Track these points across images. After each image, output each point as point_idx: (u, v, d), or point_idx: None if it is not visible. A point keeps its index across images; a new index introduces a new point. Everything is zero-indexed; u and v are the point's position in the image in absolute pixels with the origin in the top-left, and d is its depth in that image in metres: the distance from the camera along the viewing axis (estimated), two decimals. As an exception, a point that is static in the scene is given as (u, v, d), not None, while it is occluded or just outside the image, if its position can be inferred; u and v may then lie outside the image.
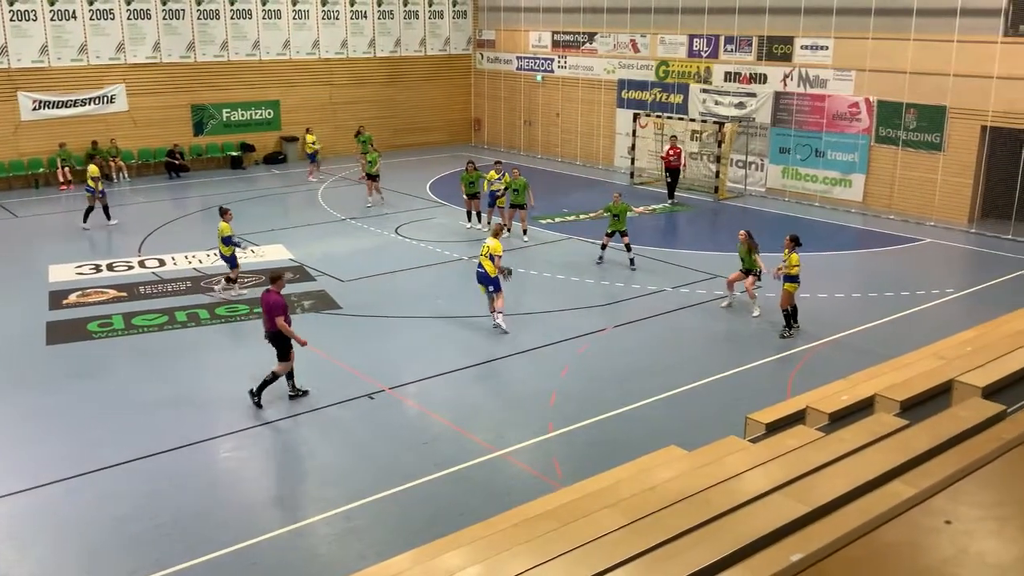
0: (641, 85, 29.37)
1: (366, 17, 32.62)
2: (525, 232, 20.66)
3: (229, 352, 14.22)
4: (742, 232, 15.83)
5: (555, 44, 32.22)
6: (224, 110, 30.25)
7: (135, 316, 15.60)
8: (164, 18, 28.50)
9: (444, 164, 30.08)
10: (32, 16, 26.35)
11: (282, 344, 11.97)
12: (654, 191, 26.65)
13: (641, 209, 24.14)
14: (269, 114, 31.16)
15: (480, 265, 14.71)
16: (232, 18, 29.78)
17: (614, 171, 30.04)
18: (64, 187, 26.72)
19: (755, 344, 14.26)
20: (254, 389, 11.96)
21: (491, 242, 14.77)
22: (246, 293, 16.68)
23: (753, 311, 15.59)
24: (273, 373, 11.96)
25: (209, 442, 11.10)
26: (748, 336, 14.65)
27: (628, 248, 18.37)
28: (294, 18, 31.06)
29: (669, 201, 24.98)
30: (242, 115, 30.68)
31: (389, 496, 9.79)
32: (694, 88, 27.74)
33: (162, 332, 14.93)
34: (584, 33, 31.10)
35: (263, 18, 30.41)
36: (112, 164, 27.72)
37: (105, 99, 27.98)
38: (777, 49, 25.49)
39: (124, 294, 16.84)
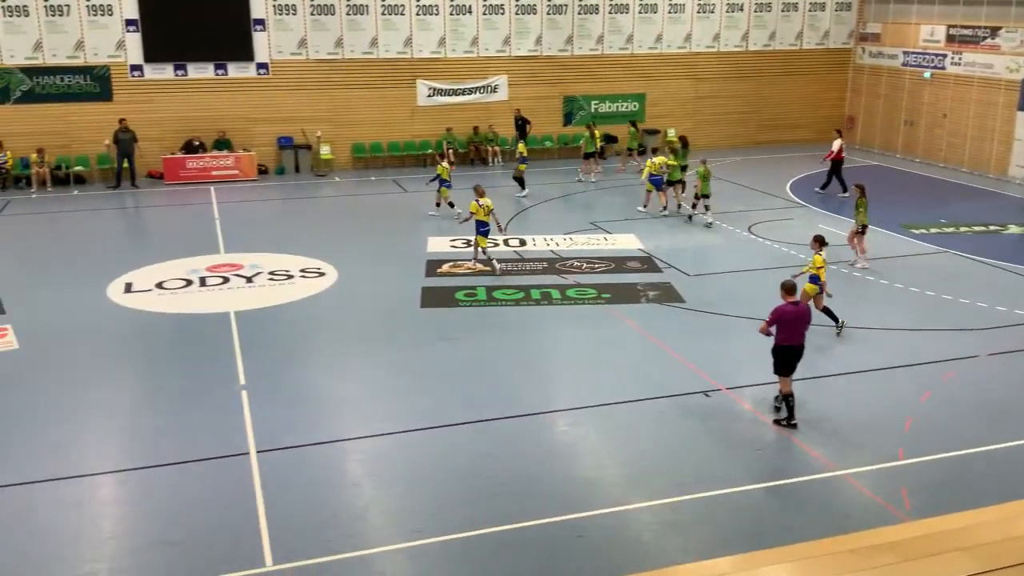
0: (1052, 85, 25.71)
1: (742, 10, 32.00)
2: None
3: (575, 331, 14.78)
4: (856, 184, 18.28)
5: (949, 39, 29.24)
6: (592, 102, 31.40)
7: (496, 290, 16.79)
8: (548, 13, 30.23)
9: (807, 164, 28.67)
10: (434, 11, 29.25)
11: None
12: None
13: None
14: (634, 107, 31.80)
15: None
16: (610, 13, 30.79)
17: (1007, 181, 26.67)
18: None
19: None
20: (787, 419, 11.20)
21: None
22: None
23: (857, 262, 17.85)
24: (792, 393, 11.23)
25: (547, 415, 11.67)
26: None
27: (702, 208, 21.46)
28: (669, 12, 31.34)
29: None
30: (609, 107, 31.64)
31: (716, 497, 9.61)
32: (1122, 90, 23.73)
33: (517, 307, 15.92)
34: (986, 27, 27.86)
35: (639, 12, 31.07)
36: (489, 149, 30.04)
37: (489, 88, 30.34)
38: None
39: (489, 269, 18.21)
